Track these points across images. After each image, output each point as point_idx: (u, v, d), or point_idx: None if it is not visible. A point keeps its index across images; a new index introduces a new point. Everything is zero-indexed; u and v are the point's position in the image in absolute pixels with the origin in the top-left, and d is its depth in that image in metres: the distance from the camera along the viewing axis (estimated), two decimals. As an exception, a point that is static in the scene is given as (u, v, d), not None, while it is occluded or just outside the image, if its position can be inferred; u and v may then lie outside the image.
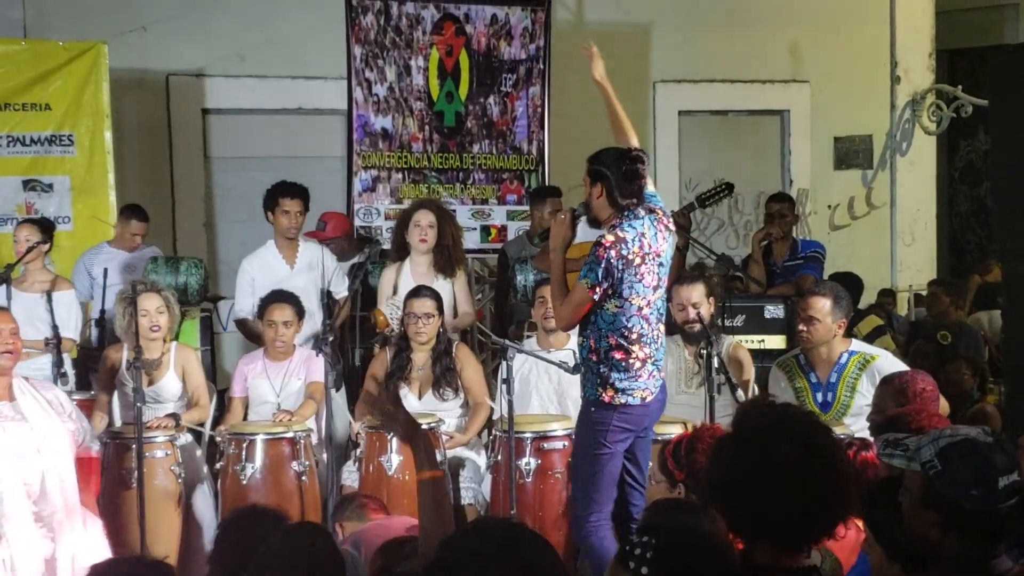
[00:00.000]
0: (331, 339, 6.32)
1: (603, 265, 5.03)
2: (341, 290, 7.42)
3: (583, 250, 5.19)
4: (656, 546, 2.76)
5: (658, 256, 5.16)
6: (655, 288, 5.18)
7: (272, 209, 7.42)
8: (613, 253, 5.04)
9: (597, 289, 5.07)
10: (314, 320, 6.88)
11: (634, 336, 5.14)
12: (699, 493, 3.54)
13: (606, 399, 5.19)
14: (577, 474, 5.39)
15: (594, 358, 5.20)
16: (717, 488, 3.30)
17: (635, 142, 5.48)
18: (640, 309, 5.13)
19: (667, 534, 2.80)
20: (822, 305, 6.04)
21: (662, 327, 5.31)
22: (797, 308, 6.42)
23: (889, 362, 6.05)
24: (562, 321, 5.39)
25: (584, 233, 5.31)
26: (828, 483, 3.15)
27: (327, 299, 6.53)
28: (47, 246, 7.44)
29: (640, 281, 5.09)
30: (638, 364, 5.16)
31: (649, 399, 5.21)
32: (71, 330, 7.25)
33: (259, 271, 7.40)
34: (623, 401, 5.16)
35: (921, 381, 5.09)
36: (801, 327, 6.13)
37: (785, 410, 3.47)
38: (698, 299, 6.27)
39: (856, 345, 6.20)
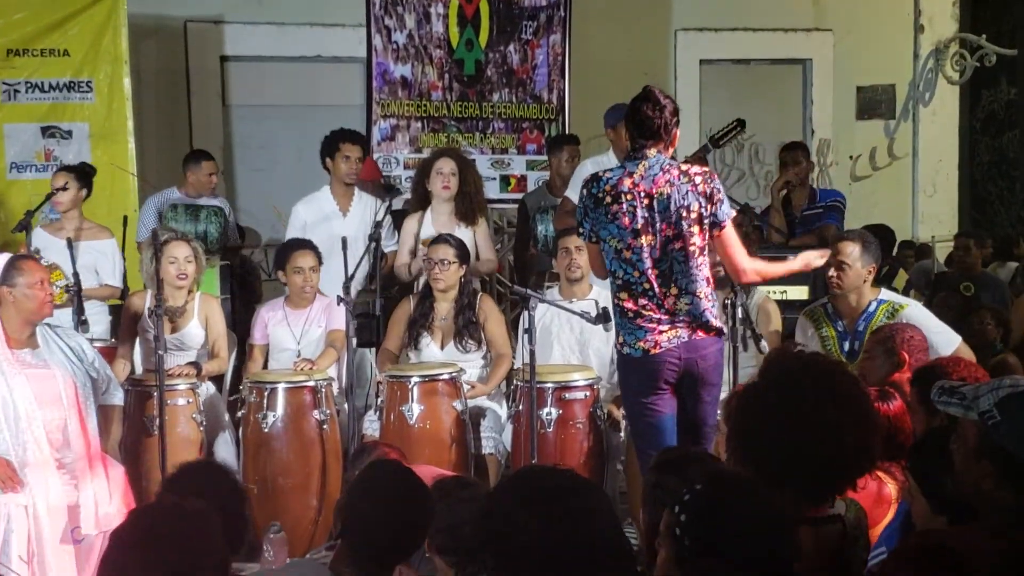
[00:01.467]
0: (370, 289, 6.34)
1: (580, 205, 5.09)
2: (390, 244, 7.38)
3: None
4: (687, 504, 2.74)
5: (650, 196, 4.95)
6: (638, 233, 4.95)
7: (332, 155, 7.42)
8: (584, 192, 5.06)
9: (580, 230, 5.12)
10: (362, 270, 6.86)
11: (619, 282, 5.02)
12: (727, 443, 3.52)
13: (616, 347, 5.18)
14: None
15: None
16: (743, 436, 3.30)
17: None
18: (619, 252, 4.98)
19: (698, 491, 2.78)
20: (851, 250, 5.96)
21: (694, 285, 5.01)
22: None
23: (918, 311, 5.98)
24: (596, 274, 5.42)
25: None
26: (853, 432, 3.15)
27: (377, 250, 6.52)
28: (84, 192, 7.42)
29: (613, 222, 4.97)
30: (631, 313, 5.00)
31: (656, 351, 4.98)
32: (114, 278, 7.27)
33: (312, 216, 7.39)
34: (626, 352, 5.06)
35: (909, 330, 5.12)
36: (831, 273, 6.05)
37: (812, 359, 3.47)
38: None
39: (885, 294, 6.13)
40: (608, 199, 4.97)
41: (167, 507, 3.19)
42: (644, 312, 4.98)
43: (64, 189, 7.28)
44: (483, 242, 7.23)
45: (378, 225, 6.61)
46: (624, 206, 4.95)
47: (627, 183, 4.97)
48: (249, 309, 7.82)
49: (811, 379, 3.21)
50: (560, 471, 2.53)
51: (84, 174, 7.47)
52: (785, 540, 2.71)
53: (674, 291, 5.00)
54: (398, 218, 7.48)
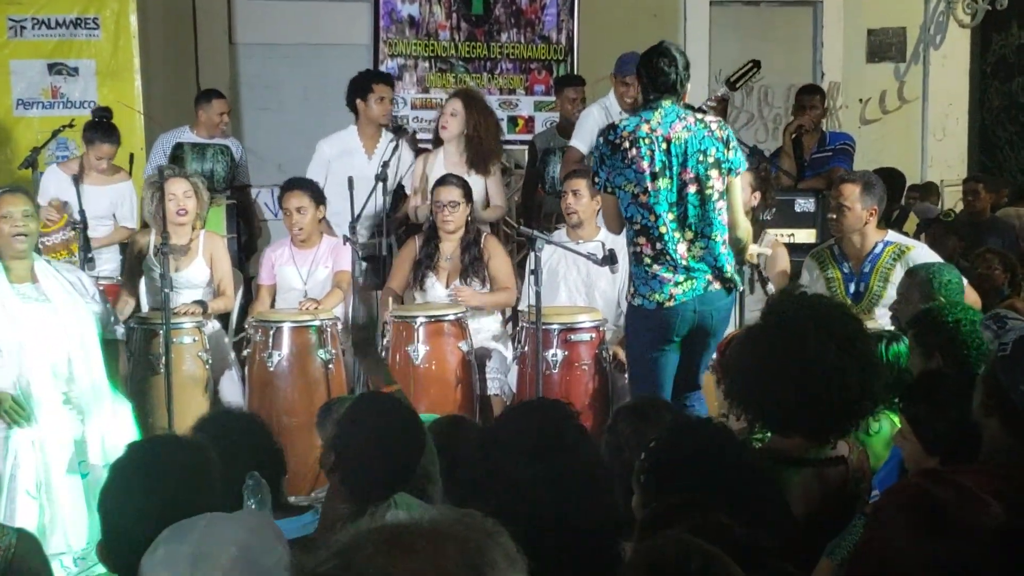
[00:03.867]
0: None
1: (596, 154, 5.08)
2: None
3: None
4: (650, 453, 2.80)
5: (667, 141, 4.98)
6: (655, 176, 4.97)
7: (363, 96, 7.35)
8: (600, 140, 5.06)
9: (595, 179, 5.10)
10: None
11: (636, 227, 5.03)
12: (726, 386, 3.54)
13: (628, 298, 5.19)
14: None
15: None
16: (745, 376, 3.30)
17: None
18: (636, 197, 5.00)
19: (660, 439, 2.85)
20: (851, 191, 5.94)
21: (710, 228, 5.05)
22: (829, 198, 6.34)
23: (924, 252, 5.97)
24: (609, 228, 5.38)
25: None
26: (856, 374, 3.16)
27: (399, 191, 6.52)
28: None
29: (630, 167, 4.98)
30: (648, 260, 5.02)
31: (671, 304, 5.01)
32: (132, 220, 7.26)
33: (337, 155, 7.35)
34: (638, 303, 5.08)
35: (947, 272, 5.06)
36: (831, 215, 6.05)
37: (813, 301, 3.47)
38: None
39: (892, 236, 6.11)
40: (626, 144, 4.98)
41: (165, 438, 3.22)
42: (661, 259, 5.00)
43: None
44: (493, 188, 7.19)
45: (385, 165, 6.59)
46: (642, 150, 4.97)
47: (644, 128, 5.00)
48: (249, 247, 7.84)
49: (813, 321, 3.22)
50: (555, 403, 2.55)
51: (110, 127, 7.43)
52: (752, 488, 2.74)
53: (689, 235, 5.03)
54: None
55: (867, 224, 5.96)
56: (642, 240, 5.03)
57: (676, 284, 5.00)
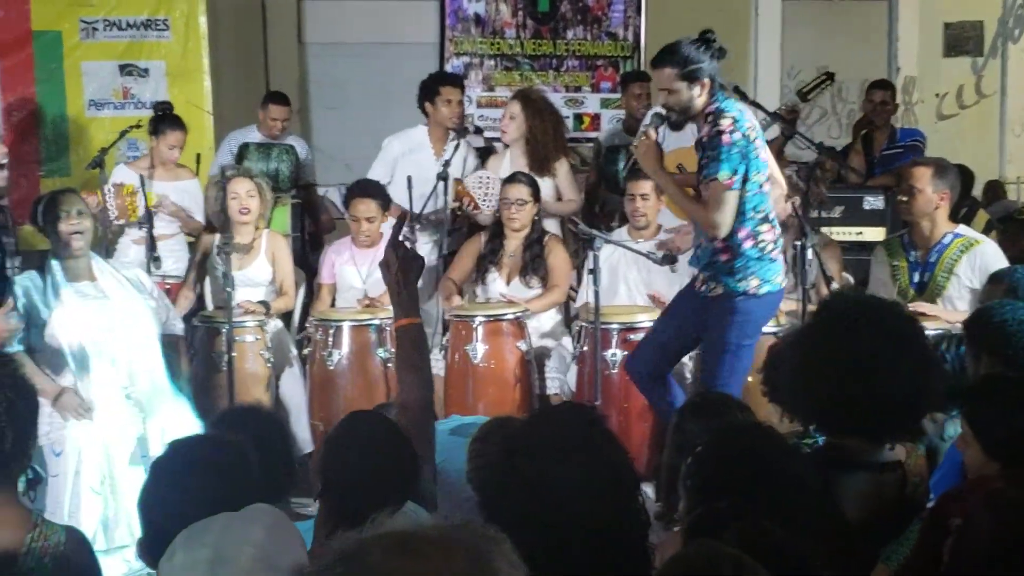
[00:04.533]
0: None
1: (736, 150, 4.86)
2: None
3: (680, 157, 5.06)
4: (696, 459, 2.77)
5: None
6: (766, 161, 5.05)
7: (431, 99, 7.33)
8: (738, 135, 4.88)
9: (735, 178, 4.88)
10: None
11: (761, 215, 5.00)
12: (774, 390, 3.48)
13: (751, 290, 5.02)
14: (711, 370, 5.19)
15: (726, 256, 5.01)
16: (795, 376, 3.24)
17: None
18: (761, 186, 4.99)
19: (704, 446, 2.81)
20: (923, 173, 5.82)
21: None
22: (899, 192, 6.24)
23: (992, 249, 5.84)
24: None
25: (677, 140, 5.21)
26: (910, 372, 3.08)
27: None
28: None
29: (758, 156, 4.95)
30: (770, 247, 5.02)
31: (783, 283, 5.12)
32: (199, 216, 7.34)
33: (405, 153, 7.35)
34: (766, 291, 5.02)
35: None
36: (901, 196, 5.96)
37: (869, 299, 3.41)
38: None
39: (962, 229, 6.00)
40: (753, 134, 4.96)
41: (205, 438, 3.22)
42: (776, 244, 5.06)
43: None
44: (564, 183, 7.17)
45: (446, 164, 6.60)
46: (761, 140, 5.02)
47: (749, 116, 5.00)
48: (315, 243, 7.87)
49: (865, 317, 3.16)
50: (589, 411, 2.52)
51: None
52: (801, 494, 2.68)
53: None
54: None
55: (938, 209, 5.83)
56: (765, 228, 5.01)
57: (780, 259, 5.11)
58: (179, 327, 5.78)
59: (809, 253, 5.57)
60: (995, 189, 10.42)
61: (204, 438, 3.34)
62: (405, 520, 2.84)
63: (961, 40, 11.40)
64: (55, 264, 5.33)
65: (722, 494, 2.63)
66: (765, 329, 5.43)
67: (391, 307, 6.27)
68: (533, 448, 2.25)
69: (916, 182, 5.81)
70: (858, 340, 3.10)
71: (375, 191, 6.79)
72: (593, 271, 5.60)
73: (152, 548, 2.79)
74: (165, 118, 7.47)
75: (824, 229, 6.61)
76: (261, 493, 2.91)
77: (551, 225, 6.99)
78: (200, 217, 7.36)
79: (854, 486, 3.13)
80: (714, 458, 2.81)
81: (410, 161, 7.20)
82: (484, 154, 7.54)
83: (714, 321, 5.10)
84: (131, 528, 5.12)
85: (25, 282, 5.31)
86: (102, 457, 5.16)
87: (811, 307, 5.50)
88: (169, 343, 5.61)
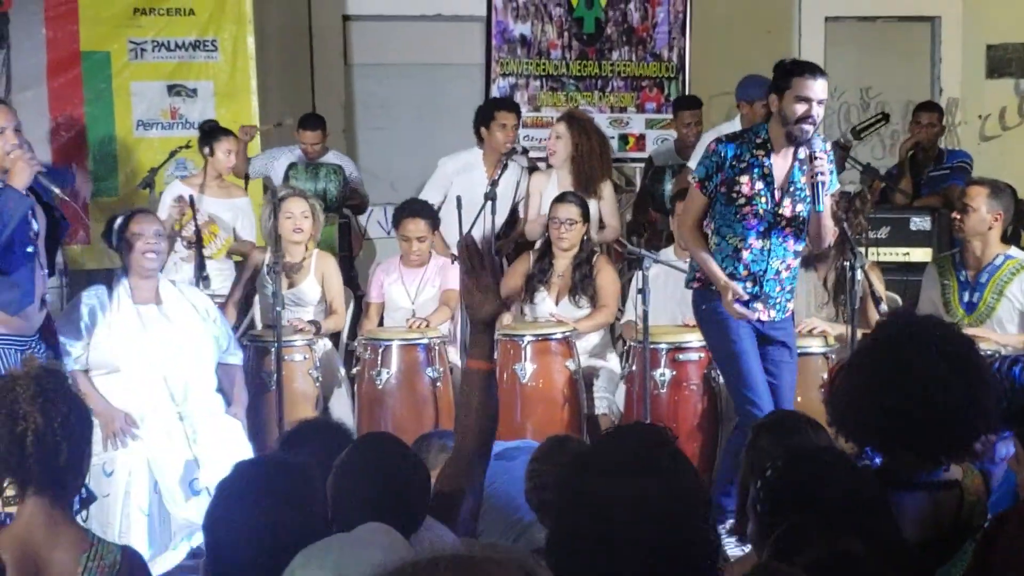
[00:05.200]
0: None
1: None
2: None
3: None
4: (766, 481, 2.77)
5: None
6: None
7: (487, 124, 7.39)
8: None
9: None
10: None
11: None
12: (832, 410, 3.48)
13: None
14: None
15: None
16: (851, 396, 3.24)
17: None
18: None
19: (775, 468, 2.81)
20: (978, 192, 5.84)
21: None
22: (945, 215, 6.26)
23: None
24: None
25: None
26: (963, 389, 3.07)
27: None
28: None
29: None
30: None
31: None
32: (248, 234, 7.39)
33: (460, 175, 7.39)
34: None
35: None
36: (954, 214, 5.96)
37: (924, 319, 3.40)
38: None
39: (1015, 251, 5.99)
40: None
41: (271, 460, 3.22)
42: None
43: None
44: (607, 209, 7.21)
45: (494, 184, 6.63)
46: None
47: None
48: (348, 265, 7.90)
49: (919, 336, 3.16)
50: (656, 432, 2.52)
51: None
52: (869, 519, 2.68)
53: None
54: None
55: (991, 229, 5.83)
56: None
57: None
58: (239, 356, 5.82)
59: (859, 274, 5.55)
60: None
61: (270, 459, 3.34)
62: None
63: (1004, 62, 11.34)
64: (124, 282, 5.39)
65: (794, 517, 2.63)
66: (818, 350, 5.49)
67: (439, 326, 6.39)
68: (604, 467, 2.26)
69: (971, 201, 5.81)
70: (908, 354, 3.10)
71: (424, 211, 6.82)
72: (642, 291, 5.60)
73: (217, 569, 2.82)
74: (215, 130, 7.55)
75: (871, 250, 6.58)
76: (326, 515, 2.93)
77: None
78: (252, 235, 7.41)
79: (912, 505, 3.13)
80: (786, 481, 2.81)
81: (463, 181, 7.25)
82: (528, 173, 7.56)
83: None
84: (178, 551, 5.19)
85: (91, 300, 5.37)
86: (151, 478, 5.21)
87: (860, 330, 5.48)
88: (228, 369, 5.69)
